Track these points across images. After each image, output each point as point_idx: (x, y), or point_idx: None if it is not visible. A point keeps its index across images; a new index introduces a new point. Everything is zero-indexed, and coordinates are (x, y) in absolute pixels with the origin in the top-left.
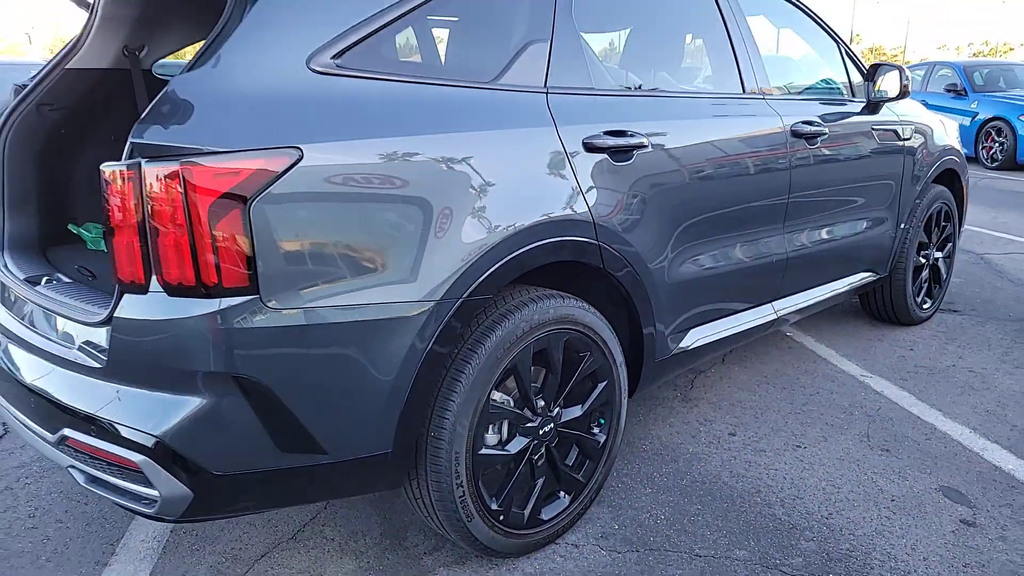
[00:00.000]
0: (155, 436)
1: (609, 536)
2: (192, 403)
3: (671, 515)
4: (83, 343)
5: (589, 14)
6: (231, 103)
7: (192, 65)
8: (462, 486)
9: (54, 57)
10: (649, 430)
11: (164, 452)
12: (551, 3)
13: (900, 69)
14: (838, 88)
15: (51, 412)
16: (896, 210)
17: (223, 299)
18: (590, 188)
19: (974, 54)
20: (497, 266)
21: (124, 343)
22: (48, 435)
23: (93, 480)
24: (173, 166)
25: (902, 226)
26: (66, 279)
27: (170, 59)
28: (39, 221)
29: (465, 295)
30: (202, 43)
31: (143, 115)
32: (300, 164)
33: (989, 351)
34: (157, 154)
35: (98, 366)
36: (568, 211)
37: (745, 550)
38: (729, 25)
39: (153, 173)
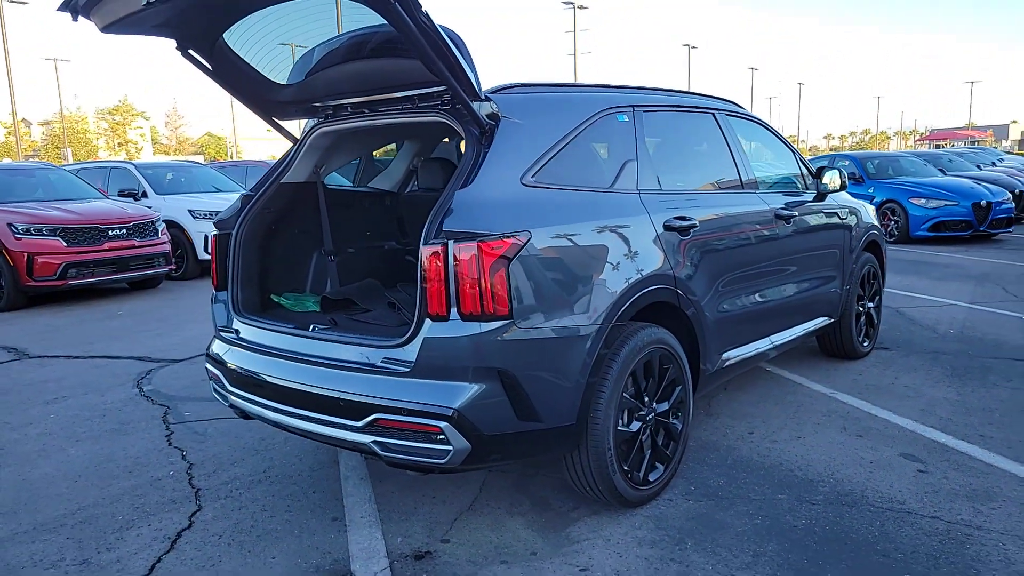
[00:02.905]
0: (454, 408)
1: (689, 494)
2: (473, 388)
3: (727, 480)
4: (384, 359)
5: (649, 140)
6: (488, 206)
7: (462, 184)
8: (610, 450)
9: (272, 174)
10: (691, 434)
11: (458, 419)
12: (632, 135)
13: (839, 170)
14: (796, 182)
15: (358, 406)
16: (842, 271)
17: (494, 322)
18: (669, 254)
19: (856, 143)
20: (627, 304)
21: (429, 353)
22: (354, 423)
23: (388, 448)
24: (471, 243)
25: (846, 286)
26: (321, 325)
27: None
28: (257, 292)
29: (612, 322)
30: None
31: (439, 213)
32: (531, 240)
33: (915, 374)
34: (456, 237)
35: (405, 370)
36: (660, 268)
37: (783, 495)
38: (728, 141)
39: (457, 248)
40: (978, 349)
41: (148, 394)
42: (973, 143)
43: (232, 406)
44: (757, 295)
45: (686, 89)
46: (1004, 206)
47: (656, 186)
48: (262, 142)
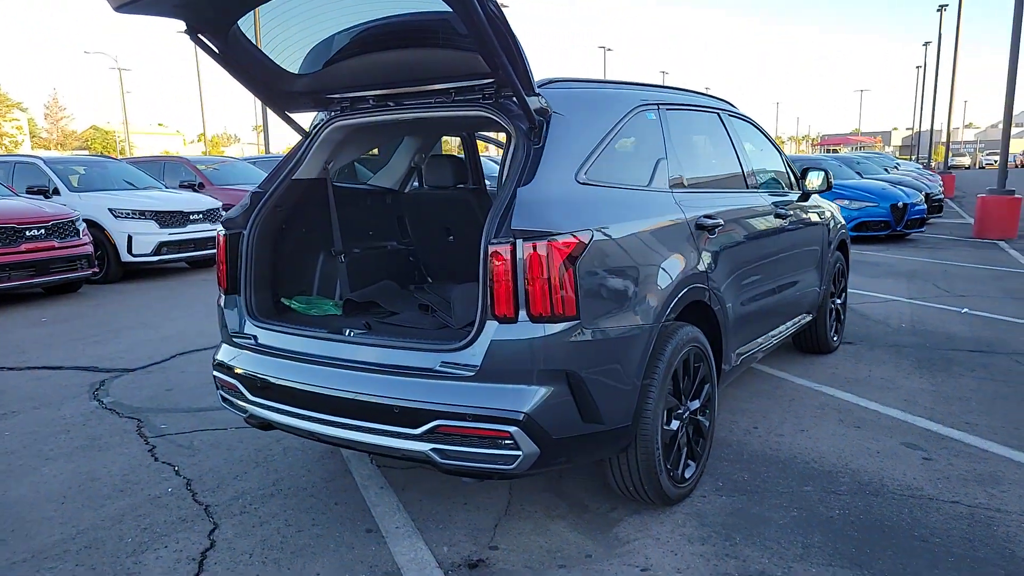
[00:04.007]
0: (524, 412)
1: (719, 489)
2: (541, 390)
3: (750, 475)
4: (443, 363)
5: (673, 139)
6: (552, 203)
7: (523, 182)
8: (659, 450)
9: (282, 170)
10: None
11: (528, 424)
12: (660, 133)
13: (825, 171)
14: (782, 182)
15: (415, 413)
16: (821, 268)
17: (563, 323)
18: (702, 252)
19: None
20: (673, 303)
21: (496, 356)
22: (410, 430)
23: (449, 455)
24: (542, 242)
25: (823, 283)
26: (356, 330)
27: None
28: (270, 295)
29: (663, 321)
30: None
31: (504, 210)
32: (593, 239)
33: (885, 367)
34: (525, 235)
35: (469, 374)
36: (696, 267)
37: (808, 487)
38: (733, 140)
39: (526, 247)
40: (933, 342)
41: (110, 407)
42: (861, 148)
43: (251, 416)
44: (763, 292)
45: (693, 89)
46: (918, 207)
47: (683, 185)
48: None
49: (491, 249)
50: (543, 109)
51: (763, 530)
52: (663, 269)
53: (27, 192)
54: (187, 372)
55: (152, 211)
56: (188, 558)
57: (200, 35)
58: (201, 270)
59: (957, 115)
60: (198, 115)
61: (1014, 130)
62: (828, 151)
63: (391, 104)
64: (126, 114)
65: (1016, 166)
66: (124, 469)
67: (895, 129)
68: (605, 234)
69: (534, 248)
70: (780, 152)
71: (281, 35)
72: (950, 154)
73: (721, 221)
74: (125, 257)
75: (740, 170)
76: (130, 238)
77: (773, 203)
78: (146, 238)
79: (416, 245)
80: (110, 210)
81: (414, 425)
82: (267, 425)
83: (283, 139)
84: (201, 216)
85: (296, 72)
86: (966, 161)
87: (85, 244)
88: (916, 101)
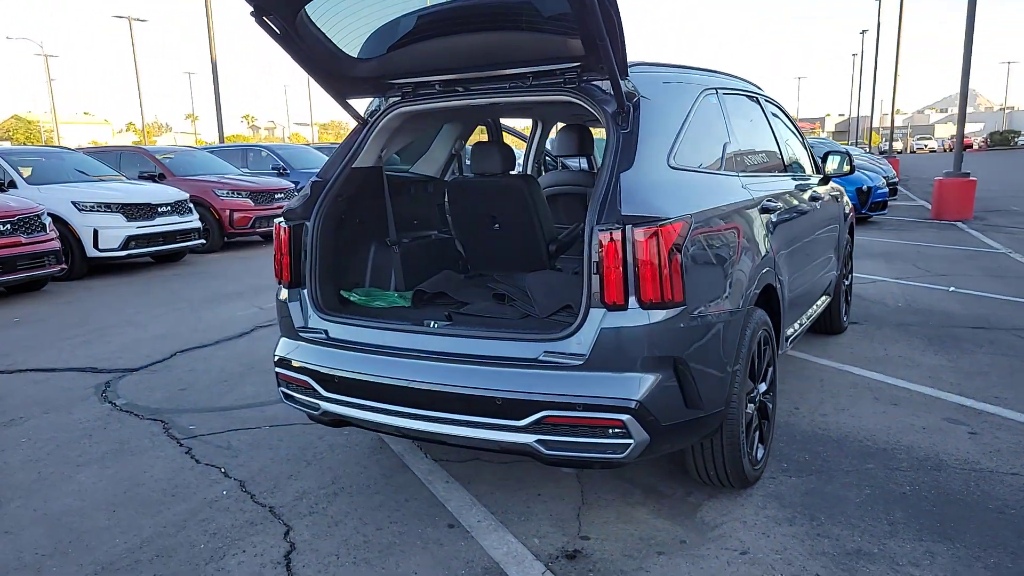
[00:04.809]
0: (637, 400)
1: (787, 470)
2: (650, 378)
3: (810, 455)
4: (546, 352)
5: (732, 123)
6: (655, 188)
7: (626, 167)
8: (743, 433)
9: (343, 158)
10: None
11: (641, 411)
12: (722, 117)
13: (847, 154)
14: (806, 165)
15: (520, 404)
16: (839, 250)
17: (672, 309)
18: (767, 235)
19: None
20: (754, 286)
21: (605, 344)
22: (514, 422)
23: (554, 446)
24: (652, 227)
25: (839, 264)
26: (439, 322)
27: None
28: (333, 288)
29: (748, 305)
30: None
31: (611, 195)
32: (692, 223)
33: (898, 344)
34: (635, 221)
35: (577, 363)
36: (767, 251)
37: (871, 464)
38: (771, 124)
39: (637, 233)
40: (934, 320)
41: (126, 408)
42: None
43: (324, 413)
44: (803, 274)
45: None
46: (880, 191)
47: (745, 168)
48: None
49: (600, 235)
50: (631, 93)
51: (844, 508)
52: (747, 253)
53: None
54: (196, 371)
55: (118, 204)
56: (273, 562)
57: (265, 18)
58: (168, 265)
59: (887, 101)
60: (124, 104)
61: (939, 116)
62: None
63: (459, 90)
64: (54, 102)
65: (945, 150)
66: (167, 473)
67: (828, 115)
68: (700, 219)
69: (644, 234)
70: (802, 136)
71: (344, 18)
72: (890, 140)
73: (780, 204)
74: (91, 252)
75: (779, 154)
76: (96, 232)
77: (806, 186)
78: (113, 232)
79: (460, 234)
80: (73, 203)
81: (518, 416)
82: (340, 422)
83: (217, 129)
84: (169, 208)
85: (356, 56)
86: (899, 146)
87: (52, 239)
88: (852, 88)
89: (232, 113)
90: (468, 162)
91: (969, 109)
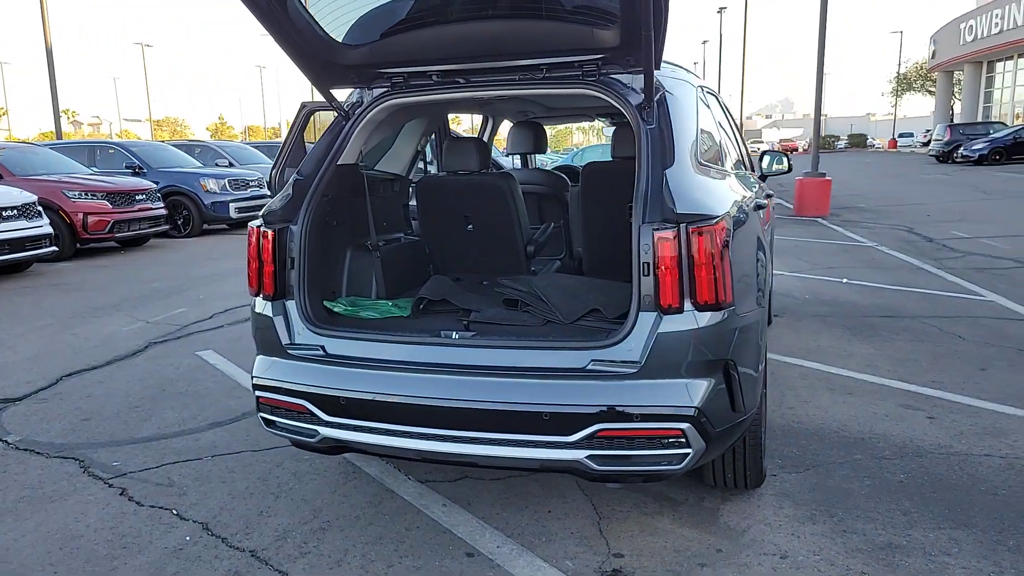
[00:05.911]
0: (696, 407)
1: (784, 467)
2: (706, 382)
3: (798, 450)
4: (593, 360)
5: (717, 122)
6: (698, 187)
7: (668, 164)
8: (765, 434)
9: (327, 154)
10: None
11: (699, 418)
12: (711, 115)
13: (785, 154)
14: (744, 163)
15: (569, 418)
16: (772, 245)
17: (724, 311)
18: (764, 231)
19: None
20: (770, 279)
21: (661, 350)
22: (562, 438)
23: (607, 461)
24: (708, 226)
25: (771, 258)
26: (459, 331)
27: None
28: (319, 298)
29: (766, 301)
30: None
31: (661, 194)
32: (731, 222)
33: (824, 336)
34: (689, 220)
35: (631, 371)
36: (766, 244)
37: (858, 454)
38: (732, 124)
39: (692, 233)
40: (845, 311)
41: (23, 446)
42: None
43: (322, 440)
44: (767, 271)
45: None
46: None
47: (730, 166)
48: None
49: (656, 236)
50: (657, 87)
51: (856, 502)
52: (761, 249)
53: None
54: (96, 397)
55: None
56: None
57: None
58: (11, 276)
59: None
60: None
61: (765, 121)
62: None
63: (460, 81)
64: None
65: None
66: (106, 520)
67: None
68: (733, 217)
69: (700, 233)
70: (740, 133)
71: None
72: None
73: (765, 201)
74: None
75: (738, 151)
76: None
77: (760, 184)
78: None
79: (428, 236)
80: None
81: (567, 432)
82: (339, 448)
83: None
84: (16, 212)
85: (343, 41)
86: None
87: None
88: None
89: (45, 107)
90: (430, 159)
91: (788, 116)
